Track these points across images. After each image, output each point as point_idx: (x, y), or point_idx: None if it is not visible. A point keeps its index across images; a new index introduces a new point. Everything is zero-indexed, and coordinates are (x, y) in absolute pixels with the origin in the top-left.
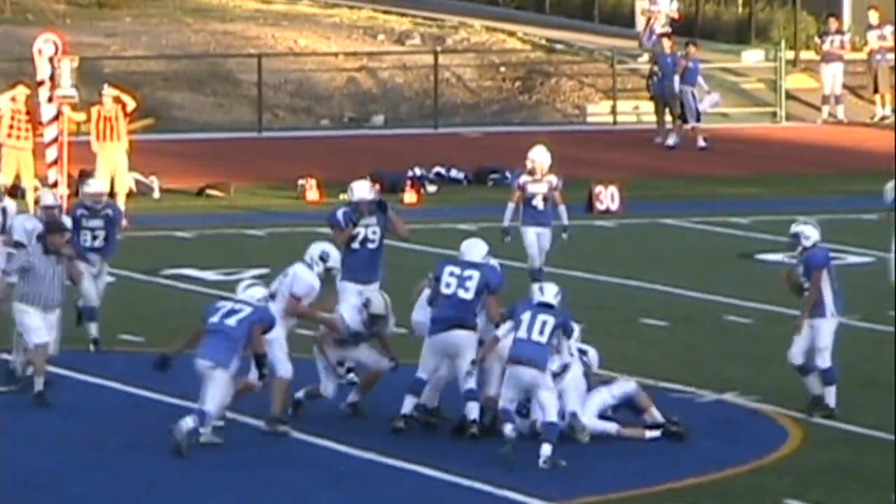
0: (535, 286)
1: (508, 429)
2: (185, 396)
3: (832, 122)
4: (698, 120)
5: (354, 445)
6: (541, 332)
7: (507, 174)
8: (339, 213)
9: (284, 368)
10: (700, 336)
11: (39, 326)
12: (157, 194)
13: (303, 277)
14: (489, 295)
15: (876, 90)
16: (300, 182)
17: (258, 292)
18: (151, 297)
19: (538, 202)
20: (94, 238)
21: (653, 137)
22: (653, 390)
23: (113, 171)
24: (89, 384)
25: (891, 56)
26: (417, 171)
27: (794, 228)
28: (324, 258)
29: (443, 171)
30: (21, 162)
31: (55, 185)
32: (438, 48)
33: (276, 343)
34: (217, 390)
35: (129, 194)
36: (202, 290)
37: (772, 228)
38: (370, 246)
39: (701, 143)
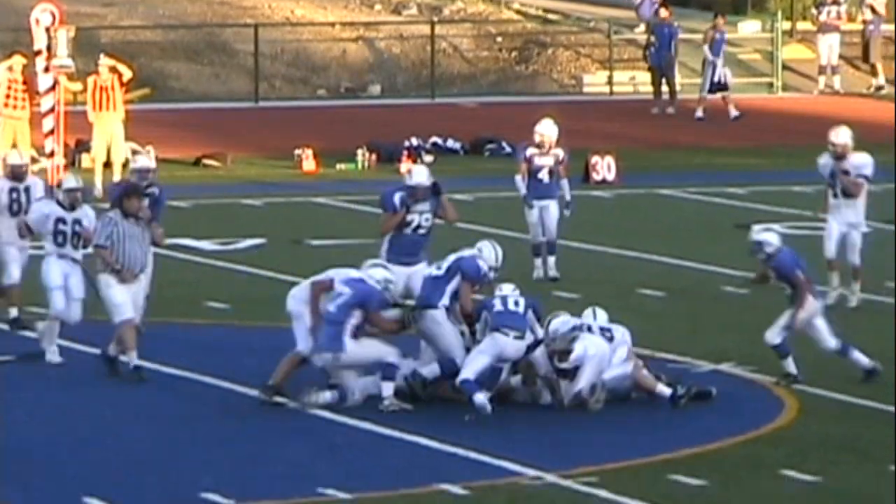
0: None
1: (480, 397)
2: (184, 367)
3: (829, 92)
4: (720, 90)
5: (350, 415)
6: (516, 305)
7: (504, 144)
8: (396, 198)
9: (304, 343)
10: (697, 307)
11: (125, 301)
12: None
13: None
14: (463, 281)
15: (865, 59)
16: (297, 152)
17: (378, 273)
18: None
19: (544, 175)
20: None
21: (650, 108)
22: (650, 361)
23: (109, 141)
24: (85, 354)
25: (885, 27)
26: (414, 142)
27: (755, 237)
28: (386, 285)
29: (439, 141)
30: (18, 131)
31: (52, 154)
32: (435, 18)
33: (303, 320)
34: (349, 369)
35: (126, 164)
36: (198, 260)
37: (769, 199)
38: (420, 232)
39: (699, 113)
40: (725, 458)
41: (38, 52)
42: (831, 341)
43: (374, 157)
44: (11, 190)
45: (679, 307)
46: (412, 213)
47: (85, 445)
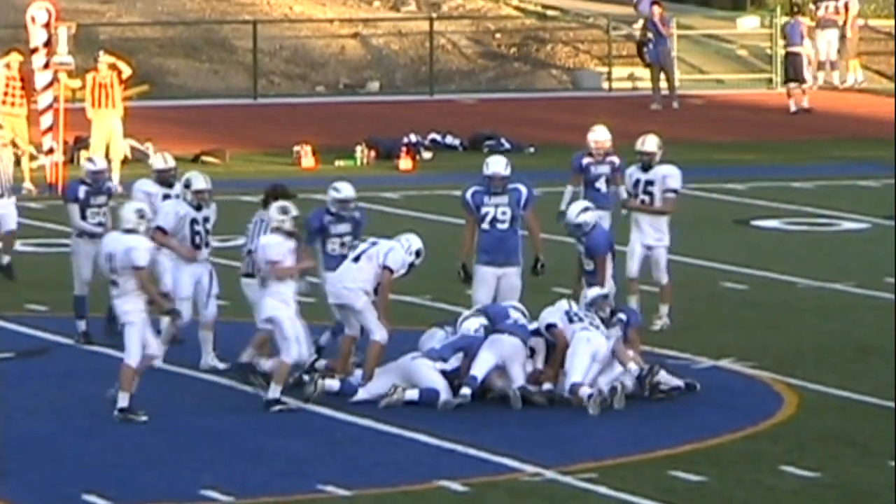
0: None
1: (467, 391)
2: (183, 363)
3: (827, 87)
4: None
5: (350, 412)
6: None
7: (503, 140)
8: (469, 194)
9: (380, 333)
10: (696, 302)
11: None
12: (152, 161)
13: (400, 253)
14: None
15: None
16: (295, 149)
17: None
18: None
19: (601, 184)
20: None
21: (649, 104)
22: (649, 356)
23: (108, 138)
24: (84, 351)
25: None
26: (413, 138)
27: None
28: (419, 254)
29: (438, 137)
30: (15, 128)
31: (50, 151)
32: (434, 14)
33: (368, 309)
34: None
35: (124, 161)
36: None
37: (768, 195)
38: (500, 227)
39: (798, 105)
40: (724, 453)
41: (35, 50)
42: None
43: (372, 153)
44: (165, 196)
45: (678, 302)
46: (486, 206)
47: (84, 442)
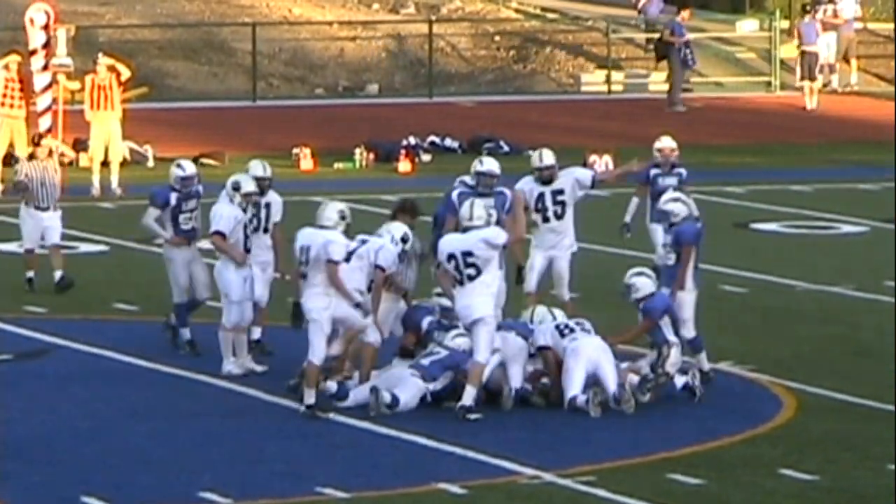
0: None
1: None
2: (182, 366)
3: (827, 91)
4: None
5: (348, 415)
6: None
7: (502, 143)
8: (455, 195)
9: (374, 336)
10: (695, 306)
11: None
12: (151, 163)
13: (390, 250)
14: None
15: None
16: (294, 151)
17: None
18: (145, 265)
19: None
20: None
21: (661, 106)
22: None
23: (107, 140)
24: (83, 353)
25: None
26: (412, 141)
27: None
28: (405, 239)
29: (437, 140)
30: (14, 130)
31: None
32: (433, 17)
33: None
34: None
35: (123, 163)
36: None
37: (767, 198)
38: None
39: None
40: (723, 456)
41: (34, 52)
42: (684, 330)
43: (371, 155)
44: (255, 205)
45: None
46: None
47: (83, 444)
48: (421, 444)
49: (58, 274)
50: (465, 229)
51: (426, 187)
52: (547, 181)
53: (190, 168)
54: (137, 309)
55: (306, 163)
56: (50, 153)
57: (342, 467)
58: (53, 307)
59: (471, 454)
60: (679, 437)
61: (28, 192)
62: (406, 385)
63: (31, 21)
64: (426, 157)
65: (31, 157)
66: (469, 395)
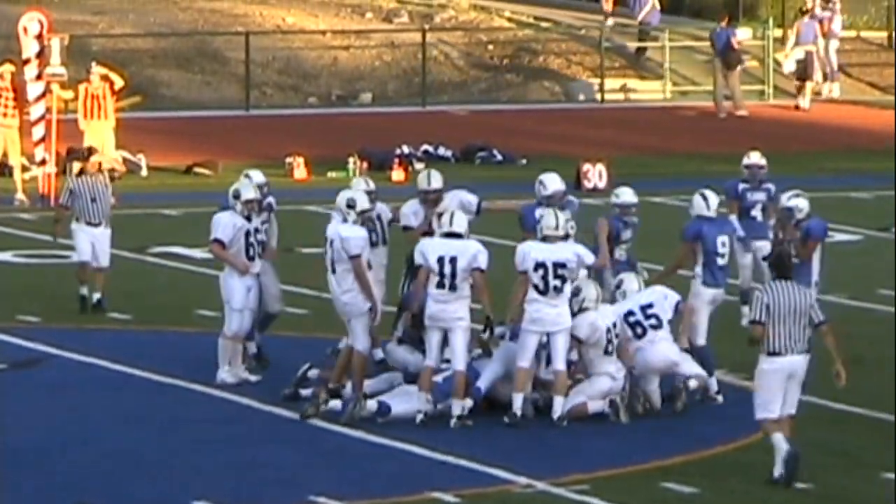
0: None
1: (469, 402)
2: (175, 375)
3: (821, 99)
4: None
5: (342, 423)
6: None
7: (495, 152)
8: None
9: (362, 344)
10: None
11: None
12: (144, 172)
13: (351, 234)
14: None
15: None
16: (288, 160)
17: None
18: (138, 274)
19: (757, 212)
20: None
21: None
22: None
23: (100, 148)
24: (76, 361)
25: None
26: (405, 149)
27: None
28: (351, 204)
29: (430, 149)
30: (8, 139)
31: (43, 162)
32: (426, 26)
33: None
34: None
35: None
36: (189, 268)
37: None
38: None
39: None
40: (717, 464)
41: (27, 61)
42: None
43: (365, 164)
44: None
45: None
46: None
47: (76, 451)
48: (415, 452)
49: (96, 296)
50: (545, 238)
51: None
52: (433, 204)
53: (258, 178)
54: (130, 318)
55: (300, 172)
56: (99, 167)
57: (335, 476)
58: (46, 316)
59: (464, 463)
60: (672, 445)
61: (76, 209)
62: (409, 399)
63: (25, 30)
64: (420, 166)
65: (81, 172)
66: (559, 406)
